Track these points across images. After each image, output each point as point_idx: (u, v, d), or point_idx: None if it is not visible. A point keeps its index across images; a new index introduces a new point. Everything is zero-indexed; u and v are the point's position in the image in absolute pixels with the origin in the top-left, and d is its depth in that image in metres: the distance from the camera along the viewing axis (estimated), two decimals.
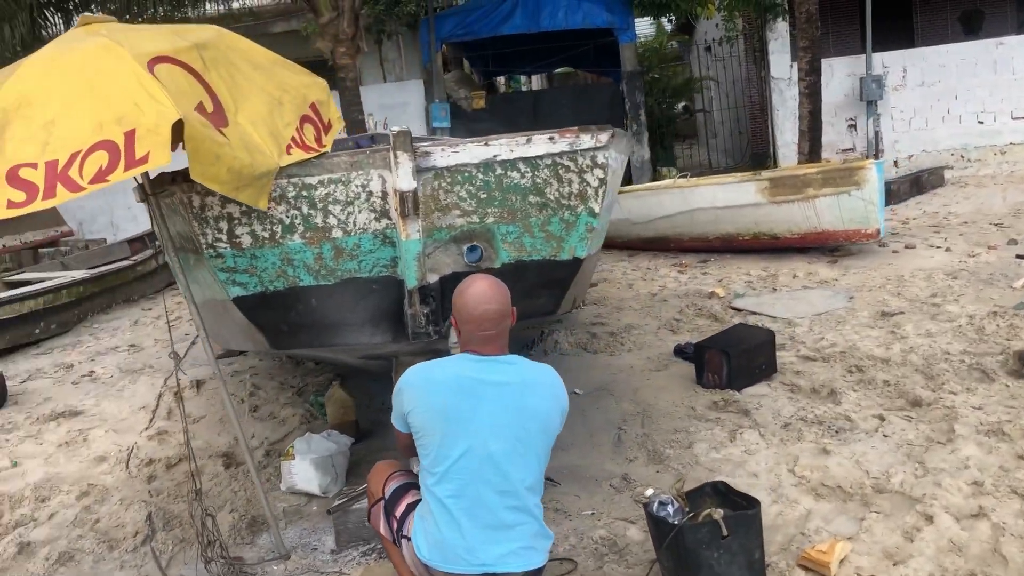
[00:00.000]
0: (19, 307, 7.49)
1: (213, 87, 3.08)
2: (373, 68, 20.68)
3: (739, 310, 6.77)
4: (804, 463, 4.02)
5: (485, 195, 3.37)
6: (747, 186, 8.21)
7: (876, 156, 13.21)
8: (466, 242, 3.43)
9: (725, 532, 2.90)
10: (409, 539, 2.83)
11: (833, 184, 7.72)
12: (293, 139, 3.35)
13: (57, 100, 2.73)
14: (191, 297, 3.43)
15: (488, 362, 2.73)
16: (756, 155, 15.98)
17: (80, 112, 2.66)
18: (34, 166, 2.58)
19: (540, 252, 3.51)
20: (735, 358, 4.99)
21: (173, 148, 2.62)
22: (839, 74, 13.73)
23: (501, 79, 22.14)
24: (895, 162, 13.69)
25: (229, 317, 3.71)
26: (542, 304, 3.63)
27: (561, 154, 3.38)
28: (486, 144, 3.32)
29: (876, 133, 13.50)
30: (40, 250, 11.28)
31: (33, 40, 12.58)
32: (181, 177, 3.15)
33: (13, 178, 2.57)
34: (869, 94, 13.34)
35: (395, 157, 3.16)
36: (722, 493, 3.19)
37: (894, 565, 3.14)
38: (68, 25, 13.50)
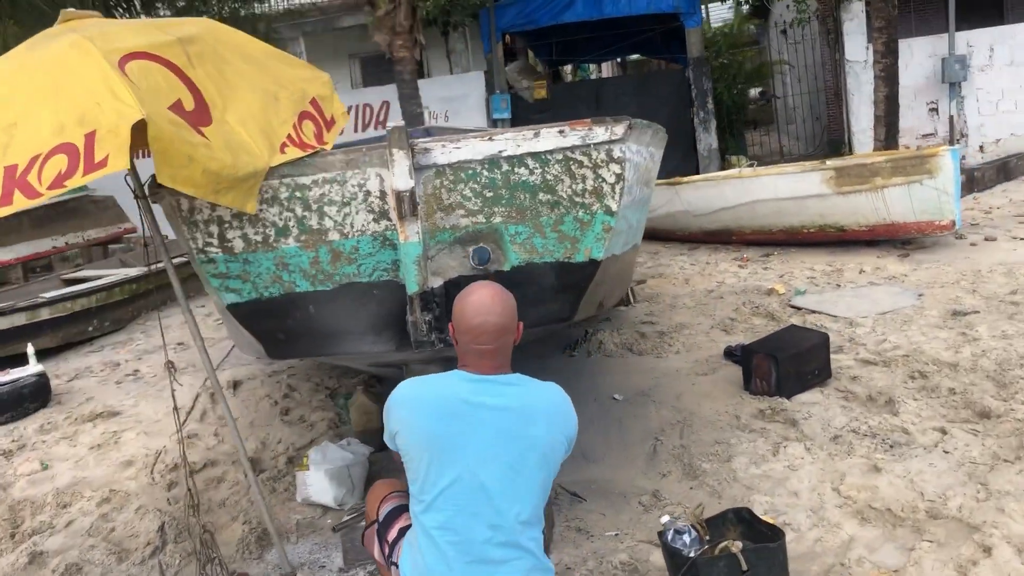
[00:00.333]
0: (72, 305, 7.55)
1: (197, 83, 2.91)
2: (440, 60, 20.67)
3: (798, 308, 6.37)
4: (851, 482, 3.68)
5: (491, 193, 3.13)
6: (811, 176, 7.77)
7: (958, 141, 12.50)
8: (472, 244, 3.20)
9: (744, 567, 2.62)
10: (398, 566, 2.63)
11: (903, 173, 7.23)
12: (289, 136, 3.17)
13: (21, 101, 2.59)
14: (185, 304, 3.28)
15: (485, 382, 2.48)
16: (832, 142, 15.32)
17: (43, 113, 2.52)
18: None
19: (553, 254, 3.26)
20: (784, 363, 4.65)
21: (139, 150, 2.45)
22: (919, 55, 13.01)
23: (568, 68, 21.80)
24: (980, 147, 12.93)
25: (233, 324, 3.56)
26: (557, 309, 3.37)
27: (573, 148, 3.12)
28: (490, 139, 3.07)
29: (956, 117, 12.75)
30: (110, 246, 11.46)
31: None
32: None
33: None
34: (952, 75, 12.61)
35: (390, 155, 2.94)
36: (746, 521, 2.90)
37: None
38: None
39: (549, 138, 3.10)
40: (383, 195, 3.06)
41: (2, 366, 6.57)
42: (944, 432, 4.04)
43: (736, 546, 2.64)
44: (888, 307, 6.13)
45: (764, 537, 2.77)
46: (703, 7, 19.67)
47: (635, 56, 23.34)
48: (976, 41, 12.90)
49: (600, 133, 3.10)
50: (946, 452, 3.86)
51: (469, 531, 2.40)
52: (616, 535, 3.55)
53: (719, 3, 21.57)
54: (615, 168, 3.16)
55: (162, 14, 14.78)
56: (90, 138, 2.40)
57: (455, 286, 3.20)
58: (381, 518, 2.76)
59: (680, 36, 14.10)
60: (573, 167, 3.14)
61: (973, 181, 10.90)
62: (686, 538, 2.76)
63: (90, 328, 7.87)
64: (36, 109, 2.54)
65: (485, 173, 3.11)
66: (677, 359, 5.61)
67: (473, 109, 14.21)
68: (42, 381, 6.09)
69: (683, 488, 3.85)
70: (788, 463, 3.95)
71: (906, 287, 6.61)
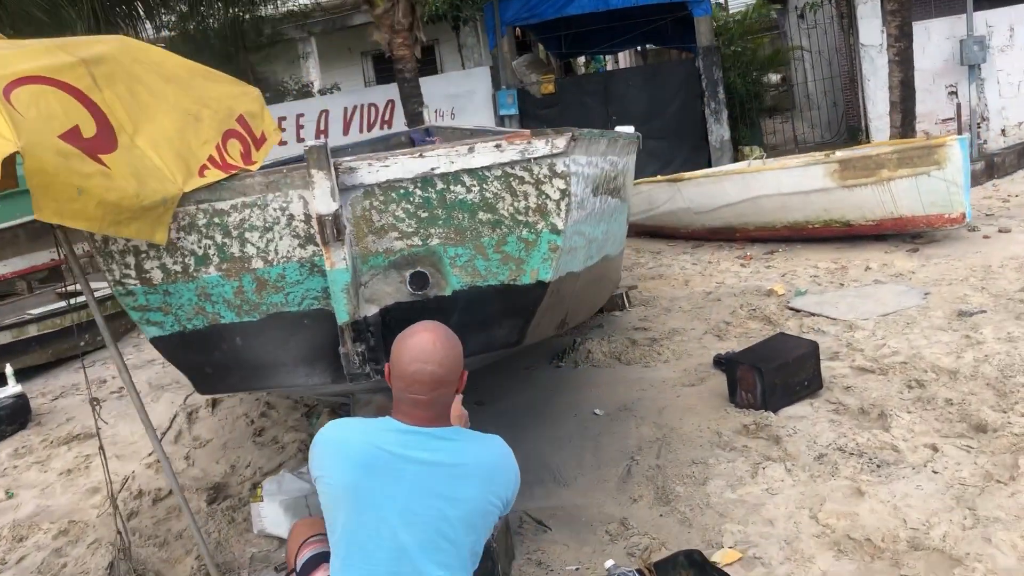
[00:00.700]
0: (61, 321, 7.46)
1: (103, 106, 2.73)
2: (452, 55, 20.49)
3: (797, 311, 6.11)
4: (831, 508, 3.44)
5: (426, 214, 2.93)
6: (814, 170, 7.47)
7: (979, 125, 12.08)
8: (409, 268, 3.00)
9: None
10: None
11: (910, 164, 6.92)
12: (211, 158, 2.98)
13: None
14: (109, 337, 3.12)
15: (416, 434, 2.26)
16: (851, 129, 14.92)
17: None
18: None
19: (497, 276, 3.04)
20: (769, 374, 4.41)
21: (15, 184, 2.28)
22: (937, 37, 12.58)
23: (581, 60, 21.51)
24: (1002, 130, 12.49)
25: None
26: (504, 335, 3.16)
27: (512, 163, 2.90)
28: (421, 156, 2.87)
29: (976, 100, 12.32)
30: None
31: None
32: None
33: None
34: (970, 57, 12.17)
35: (310, 176, 2.75)
36: (698, 564, 2.69)
37: None
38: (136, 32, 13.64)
39: (485, 153, 2.88)
40: (308, 218, 2.87)
41: None
42: (936, 449, 3.78)
43: None
44: (891, 308, 5.85)
45: None
46: None
47: (653, 46, 22.95)
48: (995, 21, 12.45)
49: (540, 147, 2.88)
50: (935, 472, 3.60)
51: None
52: (576, 569, 3.33)
53: None
54: (559, 183, 2.94)
55: (164, 19, 14.73)
56: None
57: (393, 313, 3.01)
58: (298, 567, 2.57)
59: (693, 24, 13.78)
60: (514, 183, 2.93)
61: (993, 167, 10.52)
62: None
63: (82, 343, 7.77)
64: None
65: (418, 192, 2.91)
66: (665, 368, 5.37)
67: (480, 105, 13.98)
68: (20, 402, 5.99)
69: (652, 515, 3.63)
70: (767, 486, 3.71)
71: (912, 285, 6.31)
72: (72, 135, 2.54)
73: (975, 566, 2.92)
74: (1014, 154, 10.87)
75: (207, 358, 3.10)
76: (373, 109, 14.28)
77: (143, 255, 2.90)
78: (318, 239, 2.83)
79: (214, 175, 2.92)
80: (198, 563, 3.75)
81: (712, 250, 8.66)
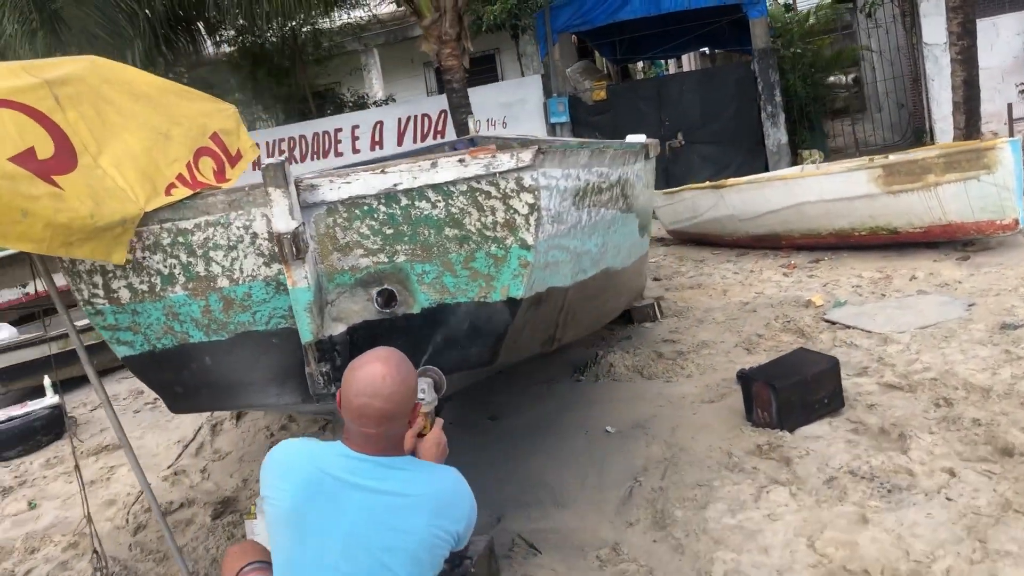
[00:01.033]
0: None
1: (65, 127, 2.74)
2: (512, 62, 20.52)
3: (832, 323, 5.86)
4: (831, 536, 3.25)
5: (391, 230, 2.86)
6: (857, 176, 7.19)
7: None
8: (376, 285, 2.94)
9: None
10: None
11: (958, 169, 6.60)
12: (180, 176, 2.98)
13: None
14: (91, 369, 3.13)
15: (366, 462, 2.22)
16: (918, 131, 14.41)
17: None
18: None
19: (467, 293, 2.96)
20: (784, 392, 4.22)
21: None
22: (1006, 33, 12.10)
23: (640, 65, 21.27)
24: None
25: None
26: (476, 353, 3.07)
27: (477, 178, 2.81)
28: (383, 172, 2.80)
29: None
30: None
31: (149, 64, 13.07)
32: None
33: None
34: None
35: (267, 194, 2.71)
36: None
37: None
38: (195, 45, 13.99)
39: (449, 168, 2.80)
40: (271, 237, 2.83)
41: (39, 394, 6.69)
42: (953, 474, 3.56)
43: None
44: (932, 320, 5.57)
45: None
46: None
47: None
48: None
49: (505, 161, 2.79)
50: (949, 499, 3.38)
51: None
52: None
53: None
54: (527, 197, 2.84)
55: (224, 35, 15.07)
56: None
57: (361, 331, 2.96)
58: None
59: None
60: (480, 198, 2.84)
61: None
62: None
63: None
64: None
65: (382, 209, 2.84)
66: (687, 383, 5.21)
67: (531, 114, 13.95)
68: (56, 413, 6.13)
69: (646, 541, 3.49)
70: (769, 511, 3.54)
71: (957, 296, 6.01)
72: (25, 156, 2.54)
73: None
74: None
75: (177, 377, 3.09)
76: (426, 120, 14.36)
77: (110, 275, 2.91)
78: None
79: (182, 193, 2.90)
80: None
81: (756, 258, 8.42)
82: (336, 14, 15.14)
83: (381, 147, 14.27)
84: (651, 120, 13.47)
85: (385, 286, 2.94)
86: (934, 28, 12.43)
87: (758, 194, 8.16)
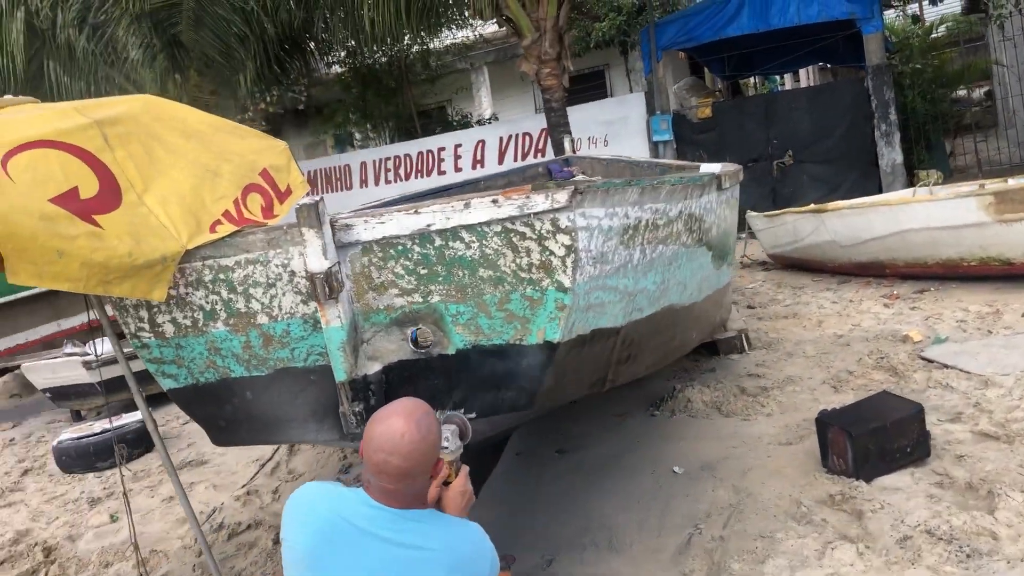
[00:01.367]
0: None
1: (112, 166, 2.82)
2: (621, 78, 20.39)
3: (929, 361, 5.50)
4: None
5: (426, 270, 2.82)
6: (966, 203, 6.74)
7: None
8: (410, 325, 2.90)
9: None
10: None
11: None
12: (226, 213, 3.01)
13: None
14: (135, 386, 3.20)
15: (386, 512, 2.17)
16: None
17: None
18: None
19: (502, 335, 2.89)
20: (861, 439, 3.97)
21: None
22: None
23: (752, 81, 20.72)
24: None
25: None
26: (511, 398, 2.98)
27: (511, 219, 2.74)
28: (416, 212, 2.76)
29: None
30: None
31: (264, 87, 13.54)
32: None
33: None
34: None
35: (300, 234, 2.70)
36: None
37: None
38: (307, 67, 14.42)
39: (482, 209, 2.74)
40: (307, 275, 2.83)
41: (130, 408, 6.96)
42: None
43: None
44: None
45: None
46: (905, 7, 18.09)
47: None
48: None
49: (540, 202, 2.71)
50: None
51: None
52: None
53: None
54: (563, 239, 2.75)
55: (335, 56, 15.45)
56: None
57: (395, 372, 2.92)
58: None
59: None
60: (515, 240, 2.77)
61: None
62: None
63: None
64: None
65: (416, 249, 2.80)
66: (766, 423, 4.97)
67: (633, 132, 13.74)
68: (145, 428, 6.34)
69: None
70: (832, 570, 3.32)
71: None
72: (66, 197, 2.62)
73: None
74: None
75: (220, 411, 3.12)
76: (527, 138, 14.36)
77: (155, 309, 2.96)
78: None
79: (226, 230, 2.94)
80: None
81: (858, 287, 8.01)
82: (443, 34, 15.35)
83: (483, 166, 14.35)
84: (758, 138, 13.09)
85: (420, 326, 2.90)
86: None
87: (860, 220, 7.77)
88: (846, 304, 7.47)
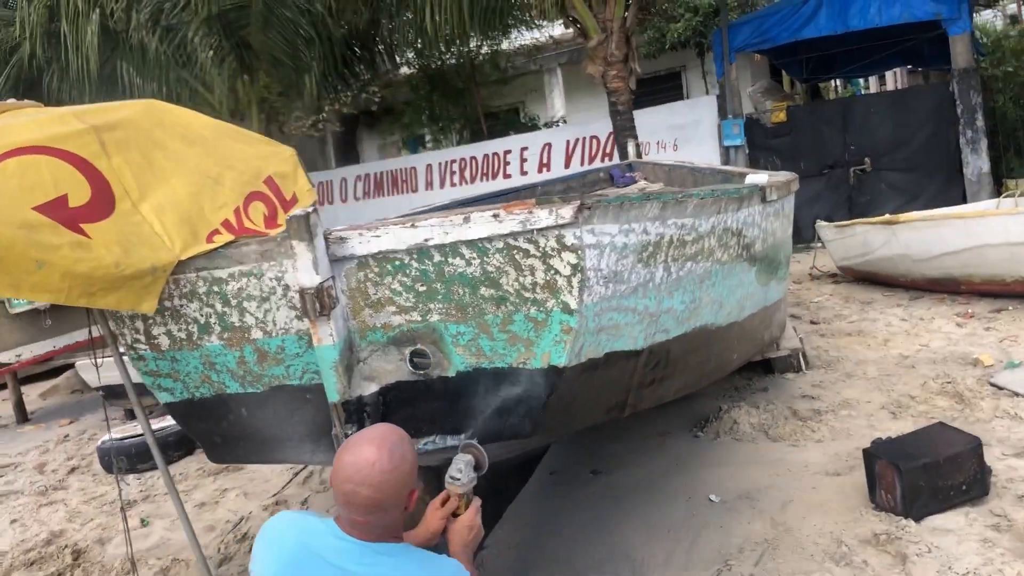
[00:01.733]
0: None
1: (107, 173, 2.74)
2: (697, 80, 19.97)
3: (999, 388, 5.12)
4: None
5: (424, 288, 2.66)
6: None
7: None
8: (409, 345, 2.74)
9: None
10: None
11: None
12: (225, 222, 2.92)
13: None
14: (135, 397, 3.13)
15: (356, 545, 2.06)
16: None
17: None
18: None
19: (504, 358, 2.71)
20: (911, 475, 3.67)
21: None
22: None
23: (833, 84, 20.07)
24: None
25: None
26: (514, 424, 2.80)
27: (514, 235, 2.56)
28: (413, 226, 2.60)
29: None
30: None
31: (333, 88, 13.60)
32: None
33: None
34: None
35: (291, 248, 2.57)
36: None
37: None
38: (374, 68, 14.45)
39: (482, 224, 2.57)
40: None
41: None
42: None
43: None
44: None
45: None
46: (1004, 7, 17.27)
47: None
48: None
49: (543, 217, 2.52)
50: None
51: None
52: None
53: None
54: (569, 257, 2.56)
55: (405, 57, 15.45)
56: None
57: (393, 394, 2.77)
58: None
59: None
60: (518, 257, 2.59)
61: None
62: None
63: None
64: None
65: (414, 264, 2.65)
66: (815, 450, 4.68)
67: (705, 136, 13.37)
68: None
69: None
70: None
71: None
72: (54, 205, 2.54)
73: None
74: None
75: (215, 427, 3.02)
76: (595, 142, 14.11)
77: (151, 321, 2.87)
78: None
79: (224, 240, 2.83)
80: None
81: (930, 304, 7.57)
82: (513, 36, 15.22)
83: (549, 169, 14.15)
84: (835, 144, 12.61)
85: (418, 346, 2.74)
86: None
87: (934, 233, 7.33)
88: (916, 322, 7.06)
